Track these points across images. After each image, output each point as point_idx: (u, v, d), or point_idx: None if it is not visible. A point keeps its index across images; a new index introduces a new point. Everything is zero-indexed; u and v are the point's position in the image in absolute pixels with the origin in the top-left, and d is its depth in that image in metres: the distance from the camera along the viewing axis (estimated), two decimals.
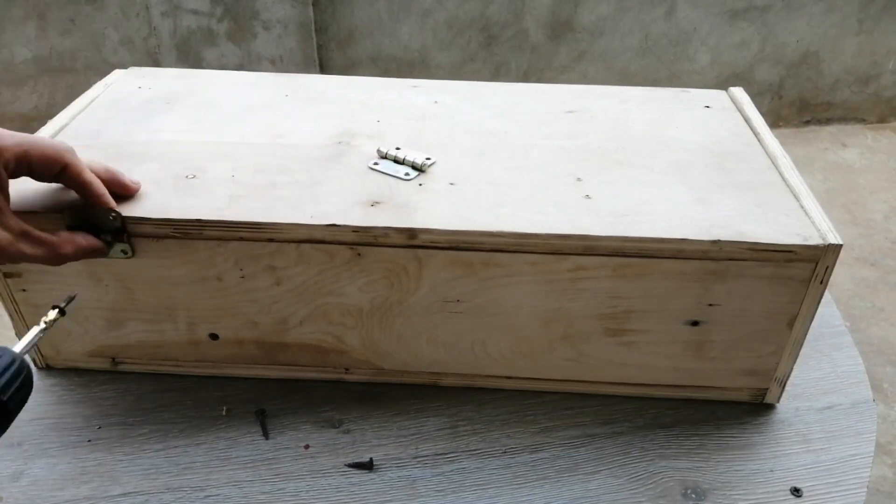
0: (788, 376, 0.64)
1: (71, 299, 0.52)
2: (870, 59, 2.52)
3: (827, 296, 0.78)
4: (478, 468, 0.59)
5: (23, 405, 0.41)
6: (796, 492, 0.58)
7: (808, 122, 2.65)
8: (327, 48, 2.26)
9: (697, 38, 2.40)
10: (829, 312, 0.76)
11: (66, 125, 0.69)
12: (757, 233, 0.56)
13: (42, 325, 0.48)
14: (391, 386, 0.66)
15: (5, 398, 0.39)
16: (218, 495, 0.57)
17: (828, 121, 2.65)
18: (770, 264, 0.56)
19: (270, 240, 0.57)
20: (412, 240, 0.56)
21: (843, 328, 0.75)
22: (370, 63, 2.30)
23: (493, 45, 2.34)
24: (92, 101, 0.73)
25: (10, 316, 0.64)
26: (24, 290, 0.62)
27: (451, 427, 0.63)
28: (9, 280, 0.61)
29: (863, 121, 2.66)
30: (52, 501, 0.56)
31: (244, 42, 2.15)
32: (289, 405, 0.64)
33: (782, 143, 0.69)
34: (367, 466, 0.59)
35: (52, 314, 0.49)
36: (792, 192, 0.61)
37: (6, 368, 0.40)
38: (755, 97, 0.79)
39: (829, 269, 0.56)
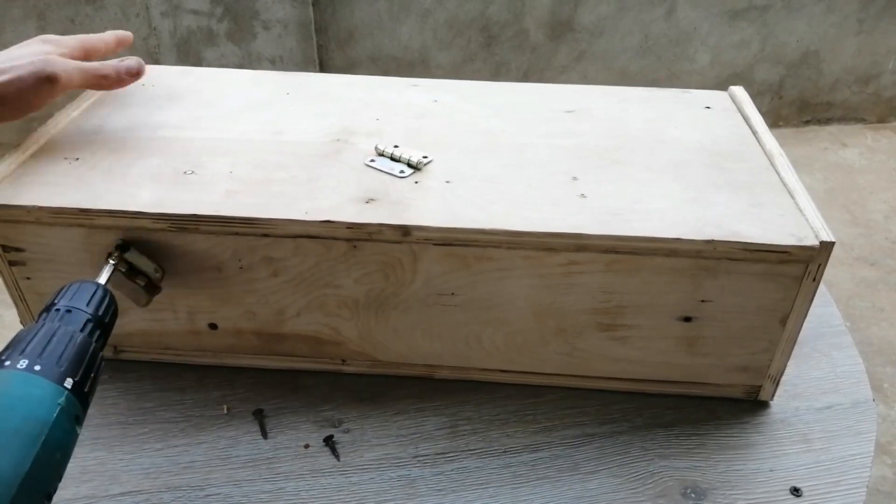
0: (782, 373, 0.64)
1: (126, 245, 0.57)
2: (870, 59, 2.52)
3: (827, 295, 0.78)
4: (478, 468, 0.59)
5: (114, 322, 0.49)
6: (796, 491, 0.58)
7: (808, 122, 2.65)
8: (327, 48, 2.26)
9: (697, 38, 2.40)
10: (829, 312, 0.76)
11: (71, 119, 0.69)
12: (751, 233, 0.56)
13: (112, 262, 0.56)
14: (390, 385, 0.66)
15: (105, 318, 0.47)
16: (218, 494, 0.57)
17: (828, 121, 2.65)
18: (763, 262, 0.56)
19: (265, 234, 0.58)
20: (405, 237, 0.57)
21: (843, 328, 0.75)
22: (370, 63, 2.30)
23: (493, 45, 2.34)
24: (97, 97, 0.74)
25: (15, 303, 0.64)
26: (28, 279, 0.62)
27: (451, 427, 0.63)
28: (14, 268, 0.62)
29: (863, 121, 2.66)
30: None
31: (244, 42, 2.15)
32: (289, 405, 0.64)
33: (782, 144, 0.69)
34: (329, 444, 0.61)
35: (116, 254, 0.57)
36: (788, 191, 0.61)
37: (96, 295, 0.48)
38: (755, 97, 0.79)
39: (821, 267, 0.56)
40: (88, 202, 0.57)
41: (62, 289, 0.48)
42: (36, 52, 0.61)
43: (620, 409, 0.65)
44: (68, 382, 0.40)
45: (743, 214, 0.58)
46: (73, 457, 0.58)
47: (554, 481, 0.58)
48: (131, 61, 0.68)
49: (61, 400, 0.39)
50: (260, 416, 0.63)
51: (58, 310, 0.46)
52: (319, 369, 0.67)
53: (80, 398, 0.41)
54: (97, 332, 0.46)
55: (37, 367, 0.39)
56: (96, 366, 0.43)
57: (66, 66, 0.61)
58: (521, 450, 0.61)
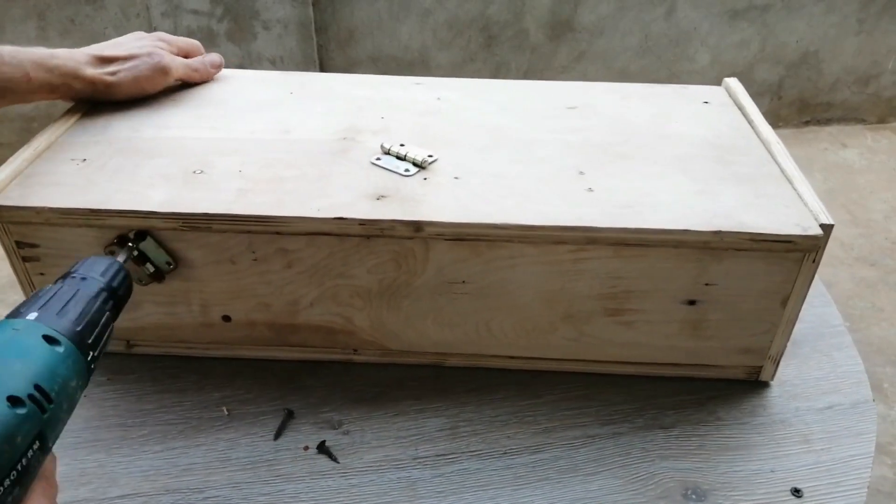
0: (782, 354, 0.65)
1: (138, 237, 0.58)
2: (870, 59, 2.52)
3: (826, 296, 0.78)
4: (478, 469, 0.59)
5: (128, 298, 0.51)
6: (797, 492, 0.58)
7: (807, 123, 2.64)
8: (327, 48, 2.26)
9: (697, 37, 2.40)
10: (828, 312, 0.76)
11: (77, 119, 0.69)
12: (757, 223, 0.57)
13: (130, 245, 0.58)
14: (391, 386, 0.66)
15: (120, 292, 0.49)
16: (217, 497, 0.57)
17: (828, 121, 2.65)
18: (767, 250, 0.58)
19: (278, 233, 0.58)
20: (418, 232, 0.57)
21: (843, 328, 0.75)
22: (370, 63, 2.30)
23: (493, 45, 2.34)
24: None
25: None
26: (41, 274, 0.62)
27: (451, 428, 0.63)
28: (27, 264, 0.62)
29: (863, 121, 2.66)
30: None
31: (244, 42, 2.15)
32: (288, 406, 0.64)
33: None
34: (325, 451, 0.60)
35: (133, 240, 0.58)
36: (788, 179, 0.63)
37: (117, 271, 0.50)
38: (755, 97, 0.79)
39: (821, 249, 0.57)
40: (98, 203, 0.57)
41: (79, 261, 0.50)
42: (152, 46, 0.73)
43: (621, 410, 0.65)
44: (32, 315, 0.42)
45: (748, 206, 0.59)
46: (72, 459, 0.59)
47: (555, 483, 0.58)
48: (214, 56, 0.81)
49: (17, 325, 0.41)
50: (287, 418, 0.62)
51: (73, 277, 0.48)
52: (331, 359, 0.68)
53: (58, 328, 0.42)
54: (90, 283, 0.47)
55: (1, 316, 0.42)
56: (91, 311, 0.44)
57: (175, 61, 0.74)
58: (522, 451, 0.61)
